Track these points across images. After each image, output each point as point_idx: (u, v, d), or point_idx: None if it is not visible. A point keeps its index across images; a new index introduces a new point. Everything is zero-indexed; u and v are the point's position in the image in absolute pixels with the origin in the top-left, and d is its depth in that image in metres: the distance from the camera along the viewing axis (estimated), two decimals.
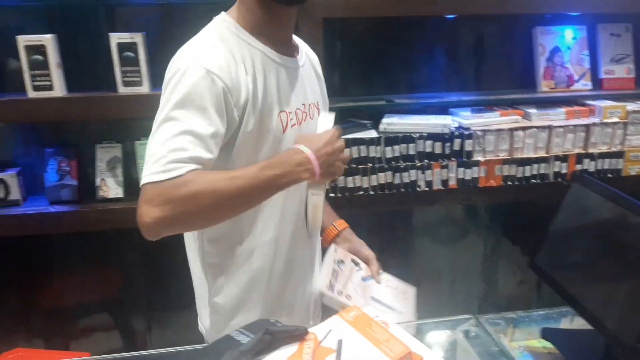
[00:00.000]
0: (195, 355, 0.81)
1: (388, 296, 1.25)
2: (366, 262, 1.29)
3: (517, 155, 1.85)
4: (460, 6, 1.73)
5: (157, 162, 0.86)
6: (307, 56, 1.18)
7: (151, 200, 0.84)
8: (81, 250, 1.97)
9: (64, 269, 1.99)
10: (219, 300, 1.10)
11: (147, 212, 0.84)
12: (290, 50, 1.09)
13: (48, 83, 1.57)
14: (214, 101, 0.90)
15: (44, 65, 1.55)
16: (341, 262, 1.24)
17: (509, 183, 1.86)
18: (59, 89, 1.59)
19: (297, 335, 0.78)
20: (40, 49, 1.54)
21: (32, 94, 1.58)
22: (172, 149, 0.87)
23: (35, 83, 1.57)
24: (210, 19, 1.04)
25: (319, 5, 1.63)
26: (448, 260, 2.26)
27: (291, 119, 1.05)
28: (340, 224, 1.33)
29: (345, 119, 1.90)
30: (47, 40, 1.55)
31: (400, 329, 0.83)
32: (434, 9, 1.71)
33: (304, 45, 1.21)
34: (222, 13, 1.04)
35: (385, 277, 1.29)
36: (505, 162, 1.84)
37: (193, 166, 0.87)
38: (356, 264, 1.28)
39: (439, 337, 1.00)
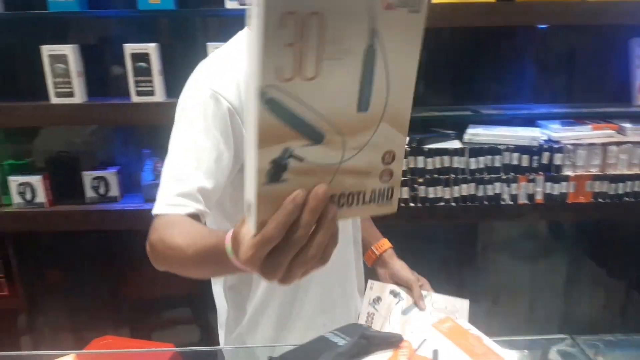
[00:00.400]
0: (289, 355, 0.83)
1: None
2: (407, 287, 1.20)
3: (609, 171, 1.77)
4: (553, 16, 1.68)
5: (164, 194, 0.85)
6: None
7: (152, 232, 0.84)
8: None
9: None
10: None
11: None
12: None
13: (150, 89, 1.68)
14: (218, 123, 0.86)
15: (147, 72, 1.67)
16: (377, 300, 1.16)
17: (600, 200, 1.78)
18: (159, 95, 1.70)
19: (392, 342, 0.79)
20: (144, 57, 1.65)
21: (135, 98, 1.70)
22: (178, 179, 0.84)
23: (139, 89, 1.68)
24: None
25: None
26: (528, 278, 2.19)
27: None
28: (380, 246, 1.25)
29: (428, 128, 1.89)
30: (151, 48, 1.66)
31: (495, 343, 0.82)
32: (527, 19, 1.67)
33: None
34: (247, 29, 1.02)
35: (432, 300, 1.20)
36: (596, 178, 1.77)
37: (194, 207, 0.83)
38: (396, 294, 1.19)
39: (532, 355, 0.96)
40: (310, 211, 0.50)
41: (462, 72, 1.95)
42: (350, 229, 1.13)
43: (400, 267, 1.22)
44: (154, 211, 0.85)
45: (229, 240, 0.61)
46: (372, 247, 1.24)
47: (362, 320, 1.09)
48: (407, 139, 1.74)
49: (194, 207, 0.83)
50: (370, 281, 1.20)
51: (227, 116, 0.86)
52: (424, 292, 1.18)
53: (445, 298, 1.20)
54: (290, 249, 0.51)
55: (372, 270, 1.24)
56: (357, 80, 0.49)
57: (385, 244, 1.26)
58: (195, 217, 0.84)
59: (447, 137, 1.83)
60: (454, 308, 1.21)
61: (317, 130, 0.49)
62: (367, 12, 0.47)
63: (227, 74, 0.88)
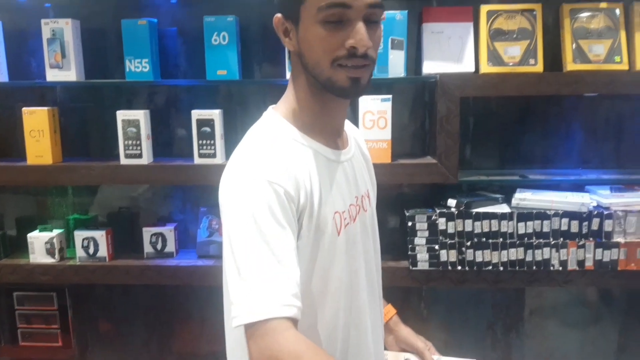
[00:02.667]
0: None
1: None
2: (418, 354, 1.21)
3: None
4: (601, 86, 1.72)
5: (261, 297, 0.81)
6: (355, 141, 1.12)
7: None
8: (217, 302, 2.12)
9: (200, 318, 2.15)
10: None
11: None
12: (342, 142, 1.04)
13: (212, 151, 1.79)
14: (284, 213, 0.86)
15: (211, 135, 1.77)
16: None
17: None
18: (220, 157, 1.80)
19: None
20: (209, 122, 1.77)
21: (198, 160, 1.80)
22: (271, 280, 0.81)
23: (202, 151, 1.79)
24: None
25: (457, 85, 1.72)
26: (577, 346, 2.13)
27: (345, 219, 0.98)
28: (386, 313, 1.23)
29: (476, 192, 1.93)
30: (216, 114, 1.78)
31: None
32: (574, 89, 1.72)
33: (349, 127, 1.14)
34: (271, 109, 1.01)
35: None
36: None
37: (299, 306, 0.83)
38: None
39: None
40: None
41: (510, 136, 1.99)
42: (376, 281, 1.12)
43: (407, 333, 1.24)
44: (255, 318, 0.80)
45: None
46: None
47: None
48: (455, 201, 1.79)
49: (298, 305, 0.82)
50: (384, 352, 1.20)
51: (286, 202, 0.87)
52: (434, 357, 1.21)
53: None
54: None
55: None
56: None
57: (390, 310, 1.26)
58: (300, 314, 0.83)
59: (494, 201, 1.85)
60: None
61: None
62: None
63: (276, 163, 0.88)
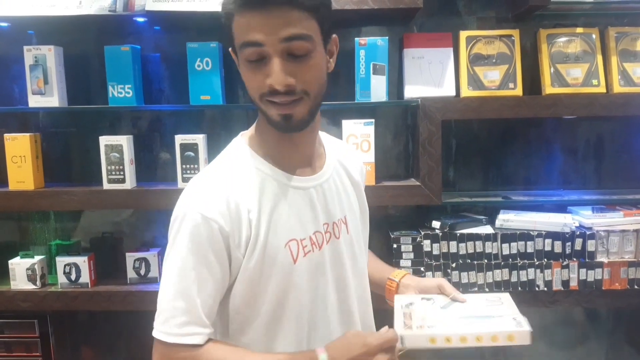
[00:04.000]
0: None
1: (480, 307, 1.12)
2: (440, 291, 1.17)
3: None
4: (580, 109, 1.75)
5: (171, 320, 0.93)
6: (338, 164, 1.10)
7: None
8: None
9: None
10: None
11: None
12: (311, 168, 1.03)
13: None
14: (213, 247, 0.91)
15: (195, 160, 1.77)
16: (410, 304, 1.12)
17: (636, 287, 1.77)
18: None
19: None
20: (192, 146, 1.77)
21: (181, 184, 1.80)
22: (183, 309, 0.92)
23: (185, 175, 1.79)
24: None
25: (438, 108, 1.74)
26: None
27: (305, 246, 0.97)
28: (397, 274, 1.22)
29: (459, 213, 1.94)
30: (199, 139, 1.78)
31: None
32: (554, 112, 1.75)
33: (337, 148, 1.13)
34: (239, 136, 1.03)
35: (469, 296, 1.17)
36: (631, 264, 1.77)
37: (201, 332, 0.93)
38: (428, 299, 1.15)
39: None
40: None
41: (492, 158, 2.02)
42: (355, 312, 1.10)
43: (424, 280, 1.21)
44: (166, 339, 0.94)
45: (322, 353, 0.91)
46: (390, 277, 1.22)
47: (398, 324, 1.02)
48: (439, 223, 1.79)
49: (207, 333, 0.94)
50: (396, 296, 1.17)
51: (221, 238, 0.91)
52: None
53: (483, 294, 1.19)
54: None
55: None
56: None
57: (401, 272, 1.24)
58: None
59: (478, 222, 1.87)
60: (496, 297, 1.18)
61: None
62: None
63: (218, 198, 0.92)
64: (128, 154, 1.79)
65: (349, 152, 1.19)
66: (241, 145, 1.00)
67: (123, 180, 1.80)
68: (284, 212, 0.96)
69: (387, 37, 1.78)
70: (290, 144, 0.99)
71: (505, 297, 1.18)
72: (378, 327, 1.05)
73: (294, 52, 0.86)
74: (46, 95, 1.79)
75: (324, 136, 1.13)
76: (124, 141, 1.79)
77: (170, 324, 0.93)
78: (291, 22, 0.84)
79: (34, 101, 1.80)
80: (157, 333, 0.95)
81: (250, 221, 0.93)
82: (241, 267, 0.94)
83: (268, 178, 0.97)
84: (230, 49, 0.95)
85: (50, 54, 1.78)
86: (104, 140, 1.80)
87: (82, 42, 1.93)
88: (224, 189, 0.93)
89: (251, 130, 1.02)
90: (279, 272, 0.95)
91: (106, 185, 1.81)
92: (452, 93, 1.82)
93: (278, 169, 0.98)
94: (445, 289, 1.16)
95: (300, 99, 0.89)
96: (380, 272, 1.26)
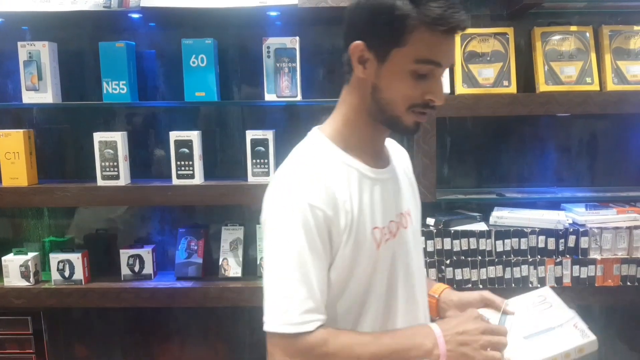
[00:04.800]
0: None
1: (534, 317, 1.12)
2: (484, 304, 1.15)
3: (636, 254, 1.78)
4: (573, 106, 1.76)
5: (292, 310, 0.92)
6: (398, 160, 1.16)
7: (290, 355, 0.93)
8: (196, 323, 2.10)
9: (179, 340, 2.12)
10: None
11: None
12: (383, 162, 1.09)
13: (190, 172, 1.79)
14: (321, 236, 0.94)
15: (189, 157, 1.77)
16: None
17: (628, 284, 1.78)
18: (198, 178, 1.80)
19: None
20: (187, 143, 1.76)
21: (176, 181, 1.80)
22: (304, 296, 0.92)
23: (180, 172, 1.79)
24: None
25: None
26: None
27: (384, 234, 1.03)
28: (436, 290, 1.22)
29: (453, 210, 1.95)
30: (194, 135, 1.78)
31: None
32: (548, 109, 1.76)
33: (393, 146, 1.19)
34: (316, 130, 1.06)
35: (513, 303, 1.14)
36: (623, 261, 1.78)
37: (321, 319, 0.94)
38: (483, 319, 1.10)
39: None
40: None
41: (486, 155, 2.02)
42: (419, 298, 1.13)
43: (464, 295, 1.18)
44: (284, 329, 0.92)
45: (433, 323, 1.00)
46: (429, 293, 1.20)
47: None
48: (434, 220, 1.80)
49: (324, 320, 0.94)
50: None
51: (324, 225, 0.94)
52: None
53: (524, 296, 1.16)
54: (474, 332, 0.97)
55: None
56: None
57: (440, 286, 1.23)
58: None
59: (472, 219, 1.87)
60: (539, 297, 1.17)
61: None
62: None
63: (318, 186, 0.95)
64: (122, 150, 1.79)
65: (402, 151, 1.24)
66: (322, 139, 1.03)
67: (117, 177, 1.79)
68: (368, 201, 1.01)
69: None
70: (373, 140, 1.06)
71: (547, 293, 1.18)
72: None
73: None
74: (40, 91, 1.79)
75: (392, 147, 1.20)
76: (119, 137, 1.79)
77: (291, 313, 0.92)
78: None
79: (28, 97, 1.79)
80: (276, 326, 0.93)
81: (346, 209, 0.97)
82: (338, 254, 0.97)
83: (352, 169, 1.01)
84: (363, 44, 0.95)
85: (44, 50, 1.78)
86: (98, 137, 1.79)
87: (77, 38, 1.92)
88: (321, 178, 0.97)
89: (331, 125, 1.05)
90: (365, 256, 1.00)
91: (100, 182, 1.80)
92: (447, 90, 1.82)
93: (359, 161, 1.03)
94: (494, 302, 1.15)
95: (432, 112, 1.00)
96: None
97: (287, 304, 0.92)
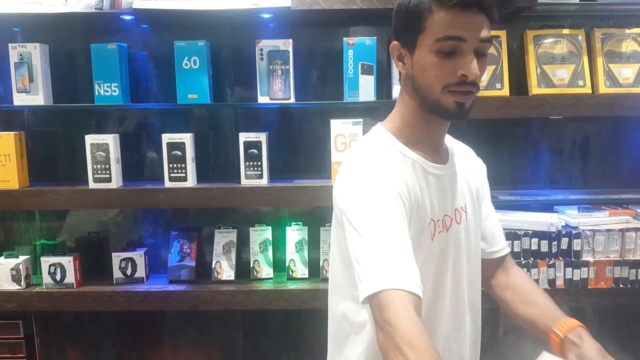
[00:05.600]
0: None
1: None
2: None
3: (629, 257, 1.79)
4: (566, 109, 1.77)
5: (397, 271, 0.89)
6: (460, 161, 1.18)
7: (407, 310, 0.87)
8: (189, 327, 2.09)
9: (171, 344, 2.10)
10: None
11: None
12: (441, 157, 1.12)
13: (183, 175, 1.78)
14: (400, 210, 0.96)
15: (182, 159, 1.77)
16: None
17: (621, 285, 1.79)
18: (191, 180, 1.79)
19: None
20: (180, 146, 1.76)
21: (168, 184, 1.79)
22: (403, 263, 0.90)
23: (172, 174, 1.78)
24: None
25: None
26: None
27: (438, 227, 1.07)
28: (563, 326, 1.09)
29: None
30: (187, 138, 1.77)
31: None
32: (540, 112, 1.76)
33: (458, 146, 1.24)
34: (379, 125, 1.12)
35: None
36: (616, 263, 1.78)
37: (421, 287, 0.91)
38: None
39: None
40: None
41: (479, 158, 2.02)
42: (465, 293, 1.14)
43: (592, 347, 1.04)
44: (377, 288, 0.88)
45: None
46: (554, 330, 1.10)
47: None
48: None
49: (421, 287, 0.91)
50: (544, 353, 1.02)
51: (402, 201, 0.97)
52: None
53: None
54: None
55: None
56: None
57: (569, 322, 1.10)
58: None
59: None
60: None
61: None
62: None
63: (389, 166, 1.01)
64: (114, 152, 1.78)
65: (474, 158, 1.28)
66: (384, 133, 1.08)
67: (109, 180, 1.78)
68: (426, 193, 1.05)
69: (375, 37, 1.78)
70: (430, 133, 1.08)
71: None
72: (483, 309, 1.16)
73: (481, 51, 0.99)
74: (31, 94, 1.78)
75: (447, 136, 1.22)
76: (110, 140, 1.78)
77: (387, 274, 0.89)
78: (485, 26, 0.98)
79: (19, 99, 1.78)
80: (370, 289, 0.89)
81: (411, 197, 1.01)
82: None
83: (413, 162, 1.05)
84: (397, 43, 1.03)
85: (35, 52, 1.76)
86: (90, 139, 1.78)
87: (68, 40, 1.91)
88: (390, 163, 1.02)
89: (391, 120, 1.10)
90: (421, 248, 1.02)
91: (92, 185, 1.79)
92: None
93: (419, 155, 1.07)
94: None
95: (474, 91, 1.00)
96: (544, 314, 1.17)
97: (401, 265, 0.90)
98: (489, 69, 1.80)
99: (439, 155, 1.12)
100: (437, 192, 1.08)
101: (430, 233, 1.05)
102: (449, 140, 1.21)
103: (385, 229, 0.94)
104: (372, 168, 1.01)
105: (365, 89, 1.77)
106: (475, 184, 1.22)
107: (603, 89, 1.79)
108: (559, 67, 1.81)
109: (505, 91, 1.80)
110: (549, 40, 1.83)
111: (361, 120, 1.77)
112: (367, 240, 0.94)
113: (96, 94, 1.77)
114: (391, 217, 0.95)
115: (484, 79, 1.80)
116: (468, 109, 1.01)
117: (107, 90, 1.76)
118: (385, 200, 0.96)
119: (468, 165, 1.22)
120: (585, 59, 1.81)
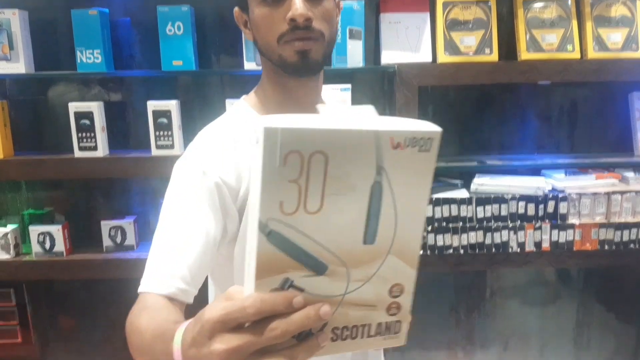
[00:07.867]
0: None
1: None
2: None
3: (614, 219, 1.81)
4: (554, 75, 1.76)
5: (151, 272, 0.85)
6: None
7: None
8: None
9: None
10: None
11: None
12: None
13: (170, 142, 1.76)
14: (207, 198, 0.87)
15: (168, 127, 1.75)
16: None
17: (606, 247, 1.82)
18: (178, 148, 1.78)
19: None
20: (165, 113, 1.74)
21: (155, 152, 1.77)
22: (166, 257, 0.84)
23: (159, 142, 1.76)
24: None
25: (415, 74, 1.73)
26: (537, 324, 2.20)
27: None
28: None
29: (435, 178, 1.95)
30: (172, 105, 1.75)
31: None
32: (528, 78, 1.76)
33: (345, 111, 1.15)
34: (242, 99, 1.03)
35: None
36: (601, 226, 1.81)
37: (175, 287, 0.83)
38: None
39: None
40: (301, 317, 0.48)
41: (468, 123, 2.03)
42: None
43: None
44: (140, 289, 0.85)
45: (181, 329, 0.63)
46: None
47: None
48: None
49: (175, 287, 0.83)
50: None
51: (215, 190, 0.87)
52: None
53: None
54: (255, 340, 0.49)
55: None
56: (363, 215, 0.49)
57: None
58: (182, 296, 0.83)
59: (454, 187, 1.89)
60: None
61: (320, 261, 0.49)
62: (374, 152, 0.47)
63: (214, 150, 0.90)
64: (99, 120, 1.75)
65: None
66: (242, 107, 1.00)
67: (95, 148, 1.77)
68: None
69: (363, 1, 1.75)
70: (293, 100, 0.97)
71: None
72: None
73: None
74: (12, 61, 1.73)
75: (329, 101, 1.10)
76: (95, 108, 1.75)
77: (149, 276, 0.86)
78: None
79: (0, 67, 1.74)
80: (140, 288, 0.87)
81: (241, 186, 0.90)
82: (240, 227, 0.91)
83: None
84: (237, 8, 0.94)
85: (14, 18, 1.71)
86: (74, 107, 1.75)
87: (48, 6, 1.86)
88: (219, 147, 0.91)
89: (255, 91, 1.02)
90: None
91: (77, 153, 1.77)
92: (429, 59, 1.81)
93: None
94: None
95: (317, 38, 0.89)
96: None
97: (153, 261, 0.86)
98: (478, 34, 1.78)
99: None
100: None
101: None
102: (336, 108, 1.09)
103: (174, 223, 0.87)
104: (192, 154, 0.91)
105: (354, 55, 1.75)
106: None
107: (592, 53, 1.78)
108: (548, 32, 1.79)
109: (494, 56, 1.78)
110: (539, 4, 1.80)
111: (349, 86, 1.75)
112: (155, 234, 0.88)
113: (78, 61, 1.73)
114: (187, 211, 0.86)
115: (473, 45, 1.78)
116: (317, 60, 0.90)
117: (90, 57, 1.72)
118: (190, 193, 0.87)
119: None
120: (575, 23, 1.80)
